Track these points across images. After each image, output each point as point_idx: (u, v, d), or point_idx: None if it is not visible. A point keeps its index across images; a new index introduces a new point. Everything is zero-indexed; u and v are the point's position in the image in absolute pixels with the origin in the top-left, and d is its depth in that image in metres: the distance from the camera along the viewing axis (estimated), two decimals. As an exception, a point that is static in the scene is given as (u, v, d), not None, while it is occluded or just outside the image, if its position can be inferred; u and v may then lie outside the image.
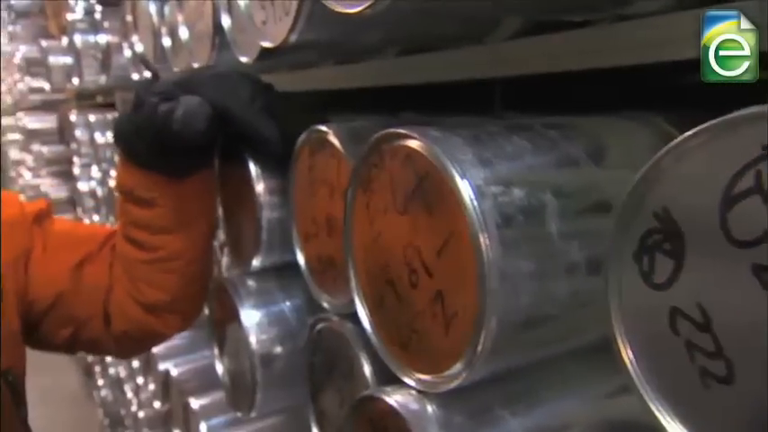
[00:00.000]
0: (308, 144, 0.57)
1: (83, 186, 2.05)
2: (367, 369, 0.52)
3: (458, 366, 0.37)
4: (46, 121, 3.29)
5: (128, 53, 1.28)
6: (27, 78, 3.05)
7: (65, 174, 3.39)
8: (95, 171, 1.89)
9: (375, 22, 0.41)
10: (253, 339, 0.69)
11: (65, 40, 1.97)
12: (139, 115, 0.64)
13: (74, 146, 2.06)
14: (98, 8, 1.38)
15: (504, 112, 0.68)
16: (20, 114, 3.96)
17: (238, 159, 0.68)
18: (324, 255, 0.58)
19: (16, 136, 4.64)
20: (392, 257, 0.42)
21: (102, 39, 1.37)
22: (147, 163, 0.68)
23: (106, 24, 1.35)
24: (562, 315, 0.37)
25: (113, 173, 1.60)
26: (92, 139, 1.83)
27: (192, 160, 0.70)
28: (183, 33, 0.88)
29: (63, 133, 3.22)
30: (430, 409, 0.40)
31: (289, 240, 0.67)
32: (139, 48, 1.16)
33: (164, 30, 1.01)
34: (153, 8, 1.02)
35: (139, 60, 0.69)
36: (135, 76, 1.27)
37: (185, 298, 0.78)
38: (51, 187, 3.41)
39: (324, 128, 0.54)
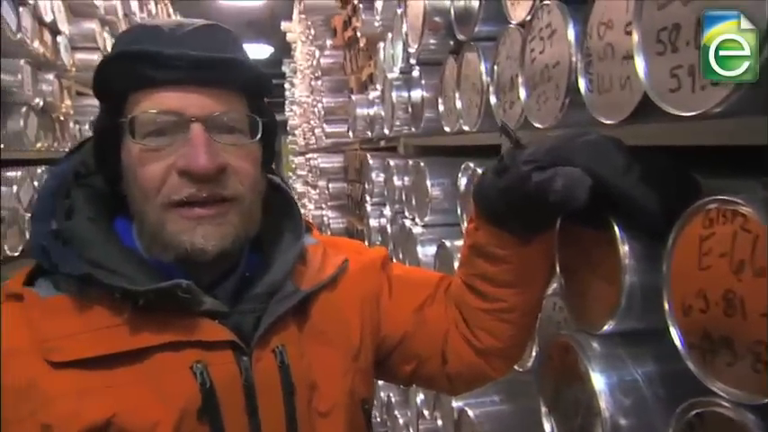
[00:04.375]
0: (703, 213, 0.54)
1: (373, 223, 2.29)
2: (786, 473, 0.46)
3: None
4: (334, 162, 3.79)
5: (441, 108, 1.40)
6: (324, 125, 3.55)
7: (343, 207, 3.85)
8: (387, 210, 2.09)
9: None
10: (603, 405, 0.66)
11: (371, 94, 2.25)
12: (505, 180, 0.67)
13: (368, 185, 2.32)
14: (416, 67, 1.54)
15: None
16: (311, 155, 4.64)
17: (595, 219, 0.67)
18: (715, 334, 0.53)
19: (304, 172, 5.44)
20: None
21: (417, 94, 1.53)
22: (505, 224, 0.72)
23: (423, 81, 1.49)
24: None
25: (409, 213, 1.74)
26: (386, 181, 2.03)
27: (545, 223, 0.72)
28: (522, 93, 0.92)
29: (347, 172, 3.66)
30: None
31: (649, 308, 0.64)
32: (459, 104, 1.26)
33: (491, 88, 1.08)
34: (483, 67, 1.10)
35: (499, 128, 0.73)
36: (447, 129, 1.38)
37: (515, 346, 0.82)
38: (332, 219, 3.90)
39: (733, 198, 0.50)
